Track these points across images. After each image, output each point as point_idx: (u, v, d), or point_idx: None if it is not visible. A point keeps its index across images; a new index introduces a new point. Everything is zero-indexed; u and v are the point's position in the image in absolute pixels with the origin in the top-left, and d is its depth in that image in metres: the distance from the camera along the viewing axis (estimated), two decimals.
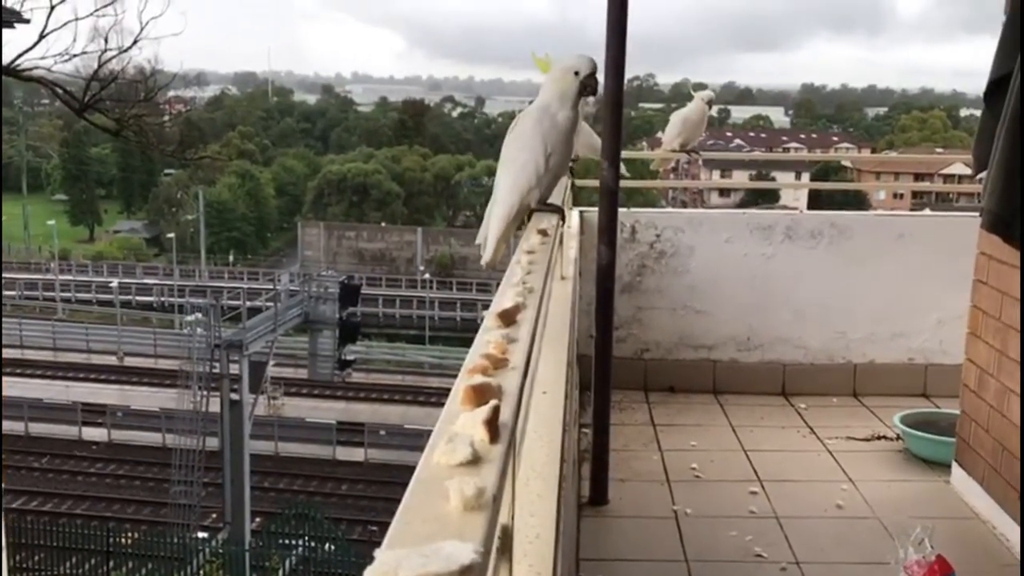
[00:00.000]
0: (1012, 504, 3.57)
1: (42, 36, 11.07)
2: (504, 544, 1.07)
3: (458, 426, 0.94)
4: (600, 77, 2.69)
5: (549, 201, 2.73)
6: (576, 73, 2.51)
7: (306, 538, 16.68)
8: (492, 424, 0.94)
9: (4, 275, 31.54)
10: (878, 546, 3.49)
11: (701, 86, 6.12)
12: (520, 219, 2.65)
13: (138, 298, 41.97)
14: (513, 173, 2.60)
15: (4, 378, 12.86)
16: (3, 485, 16.74)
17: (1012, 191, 3.32)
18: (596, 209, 4.09)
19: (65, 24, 11.31)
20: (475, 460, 0.88)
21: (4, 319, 19.94)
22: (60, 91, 11.64)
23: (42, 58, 11.15)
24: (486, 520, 0.78)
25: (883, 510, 3.87)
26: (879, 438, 4.75)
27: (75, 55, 11.47)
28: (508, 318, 1.39)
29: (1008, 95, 3.44)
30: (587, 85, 2.53)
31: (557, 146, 2.56)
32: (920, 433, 4.49)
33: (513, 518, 1.16)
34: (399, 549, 0.71)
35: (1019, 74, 3.31)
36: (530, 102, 2.76)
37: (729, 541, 3.64)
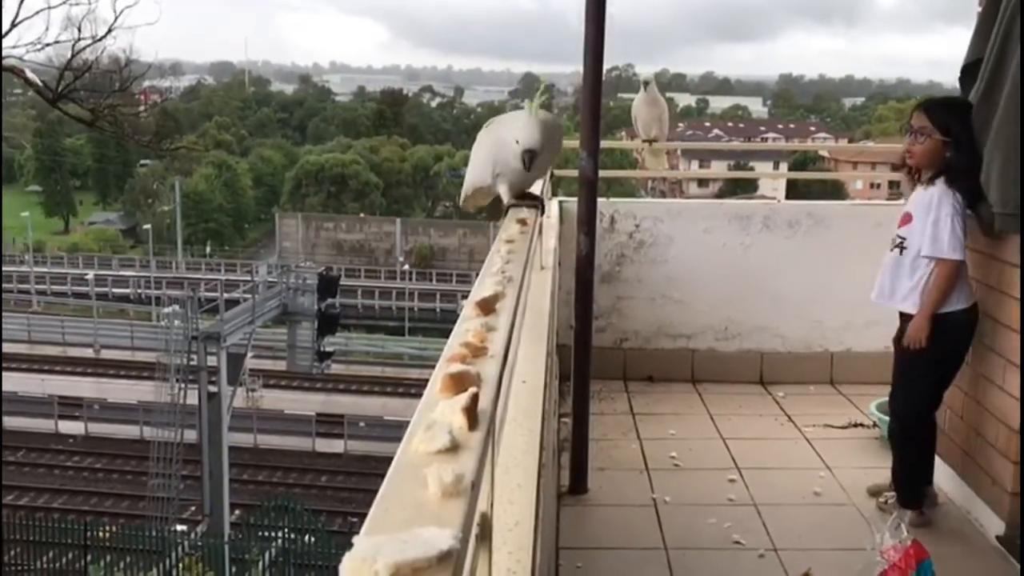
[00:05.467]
0: (987, 490, 3.62)
1: (14, 25, 10.92)
2: (483, 531, 1.07)
3: (437, 413, 0.95)
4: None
5: (529, 190, 2.77)
6: (516, 141, 2.56)
7: (286, 530, 16.62)
8: (471, 411, 0.94)
9: None
10: (855, 532, 3.52)
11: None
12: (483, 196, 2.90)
13: (114, 290, 41.58)
14: (470, 176, 2.88)
15: None
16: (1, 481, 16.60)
17: (1016, 187, 3.33)
18: (575, 199, 4.10)
19: (37, 13, 11.16)
20: (454, 447, 0.88)
21: None
22: (33, 80, 11.49)
23: (14, 47, 11.01)
24: (465, 507, 0.78)
25: (860, 497, 3.90)
26: (856, 425, 4.79)
27: (48, 44, 11.32)
28: (487, 307, 1.39)
29: (1004, 86, 3.45)
30: (523, 157, 2.57)
31: (508, 174, 2.69)
32: None
33: (492, 506, 1.17)
34: (378, 536, 0.71)
35: (1019, 70, 3.33)
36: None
37: (708, 529, 3.66)
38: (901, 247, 3.58)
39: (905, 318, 3.61)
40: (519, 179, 2.70)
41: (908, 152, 3.55)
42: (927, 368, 3.57)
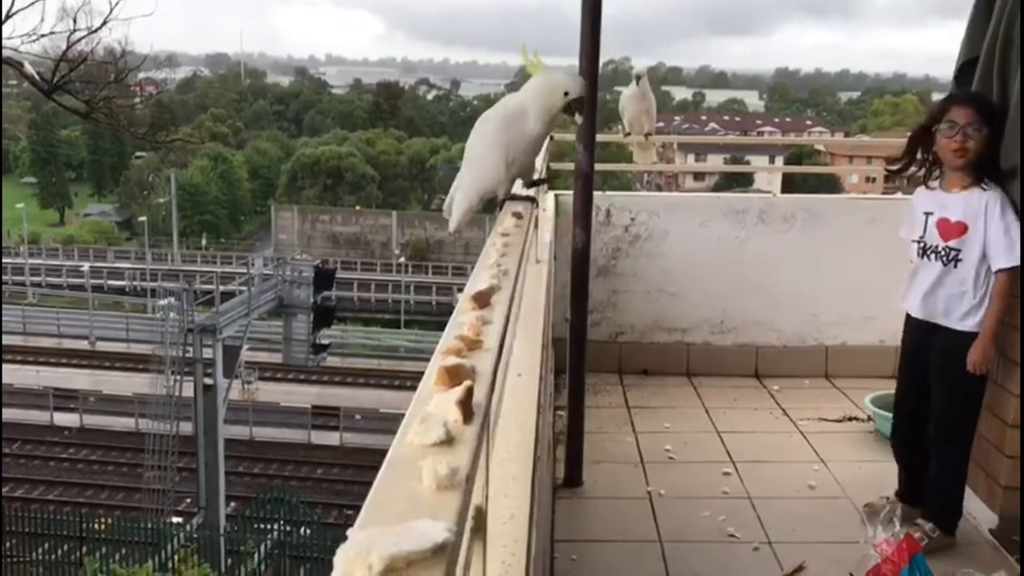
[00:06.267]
0: (981, 484, 3.63)
1: (8, 16, 10.86)
2: (478, 524, 1.07)
3: (432, 406, 0.95)
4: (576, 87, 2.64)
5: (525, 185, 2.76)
6: (566, 93, 2.46)
7: (281, 522, 16.62)
8: (466, 405, 0.94)
9: None
10: (849, 525, 3.54)
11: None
12: (483, 203, 2.68)
13: (110, 282, 41.49)
14: (475, 173, 2.60)
15: None
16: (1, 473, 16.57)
17: None
18: (571, 192, 4.10)
19: (32, 3, 11.09)
20: (448, 440, 0.88)
21: None
22: (29, 73, 11.43)
23: (8, 38, 10.95)
24: (459, 499, 0.78)
25: (854, 490, 3.92)
26: (850, 419, 4.80)
27: (43, 35, 11.25)
28: (482, 300, 1.39)
29: (1015, 87, 3.45)
30: (573, 106, 2.48)
31: (520, 155, 2.54)
32: (890, 414, 4.53)
33: (487, 499, 1.17)
34: (372, 528, 0.71)
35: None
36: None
37: (702, 522, 3.67)
38: (956, 260, 3.26)
39: (947, 337, 3.34)
40: (532, 156, 2.61)
41: (961, 148, 3.20)
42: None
